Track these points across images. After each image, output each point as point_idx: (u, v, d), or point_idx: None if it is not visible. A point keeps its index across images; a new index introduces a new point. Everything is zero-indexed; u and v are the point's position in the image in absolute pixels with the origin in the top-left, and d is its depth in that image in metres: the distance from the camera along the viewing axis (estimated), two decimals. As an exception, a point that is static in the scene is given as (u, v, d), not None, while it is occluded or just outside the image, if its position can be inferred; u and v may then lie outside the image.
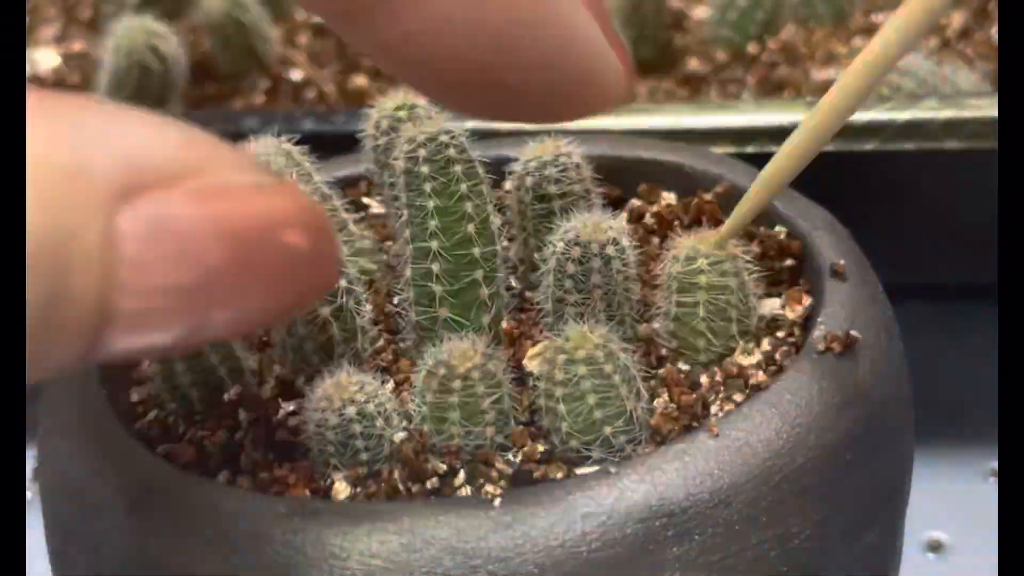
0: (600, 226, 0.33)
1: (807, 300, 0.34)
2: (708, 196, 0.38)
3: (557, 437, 0.31)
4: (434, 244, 0.33)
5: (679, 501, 0.29)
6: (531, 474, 0.30)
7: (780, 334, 0.33)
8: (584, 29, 0.30)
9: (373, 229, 0.38)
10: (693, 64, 0.60)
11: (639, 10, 0.60)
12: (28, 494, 0.47)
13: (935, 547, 0.48)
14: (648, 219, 0.38)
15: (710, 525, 0.29)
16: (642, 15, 0.60)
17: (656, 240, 0.37)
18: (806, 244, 0.36)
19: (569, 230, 0.33)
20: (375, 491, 0.30)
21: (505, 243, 0.35)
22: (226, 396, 0.33)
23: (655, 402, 0.32)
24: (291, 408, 0.33)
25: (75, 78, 0.63)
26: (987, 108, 0.46)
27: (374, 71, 0.61)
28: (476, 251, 0.33)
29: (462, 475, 0.30)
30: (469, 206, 0.33)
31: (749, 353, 0.33)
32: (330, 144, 0.39)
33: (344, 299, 0.33)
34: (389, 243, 0.38)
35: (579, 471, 0.30)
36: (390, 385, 0.33)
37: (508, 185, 0.36)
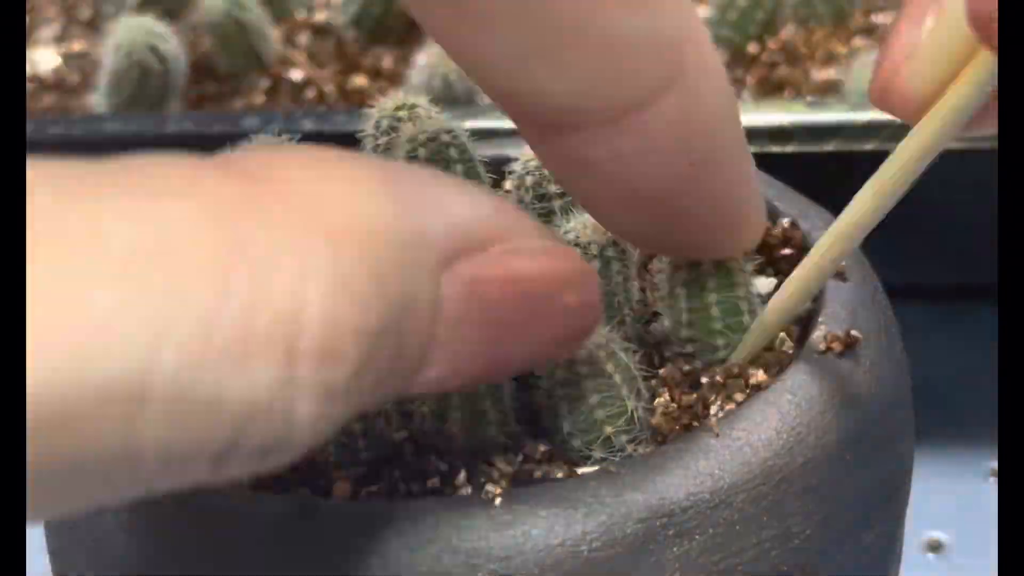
0: (599, 227, 0.33)
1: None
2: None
3: (558, 437, 0.31)
4: (434, 244, 0.33)
5: (679, 501, 0.29)
6: (532, 474, 0.30)
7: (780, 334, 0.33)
8: (754, 178, 0.32)
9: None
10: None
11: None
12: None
13: (935, 547, 0.48)
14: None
15: (710, 525, 0.29)
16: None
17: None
18: (806, 244, 0.36)
19: (569, 231, 0.33)
20: (375, 491, 0.30)
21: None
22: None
23: (655, 402, 0.32)
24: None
25: (75, 78, 0.63)
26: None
27: (374, 71, 0.61)
28: (476, 251, 0.33)
29: (463, 474, 0.30)
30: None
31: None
32: (330, 144, 0.39)
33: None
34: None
35: (580, 471, 0.30)
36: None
37: (508, 184, 0.36)
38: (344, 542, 0.28)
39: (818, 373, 0.32)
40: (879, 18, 0.61)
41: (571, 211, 0.34)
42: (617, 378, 0.31)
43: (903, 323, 0.35)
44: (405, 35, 0.62)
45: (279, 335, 0.21)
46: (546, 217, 0.35)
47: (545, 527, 0.28)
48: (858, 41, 0.60)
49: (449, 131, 0.34)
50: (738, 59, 0.59)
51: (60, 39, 0.66)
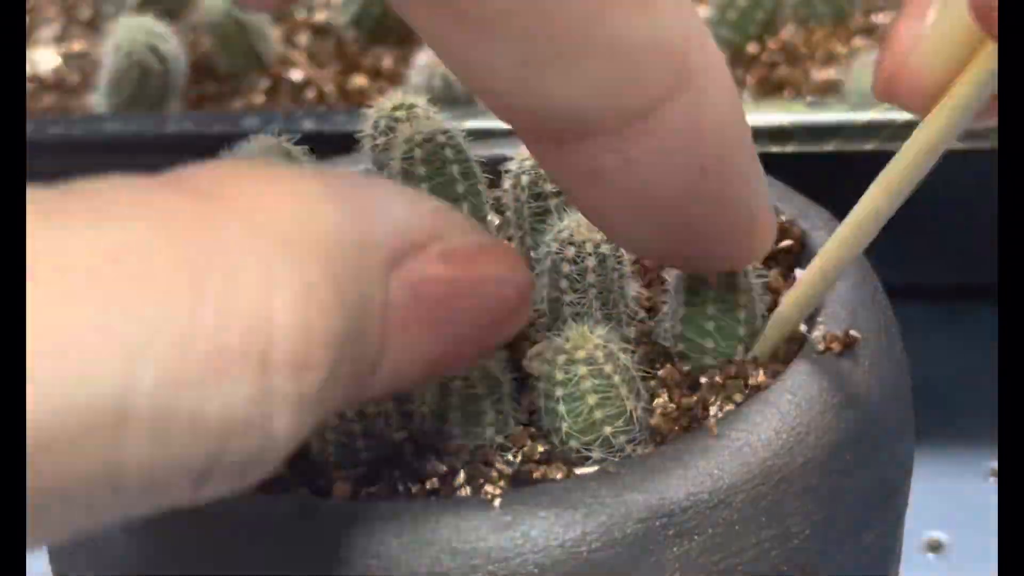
0: (593, 225, 0.33)
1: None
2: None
3: (557, 437, 0.31)
4: (433, 244, 0.33)
5: (679, 501, 0.29)
6: (531, 474, 0.30)
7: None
8: (764, 184, 0.31)
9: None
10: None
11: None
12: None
13: (935, 547, 0.48)
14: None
15: (710, 525, 0.29)
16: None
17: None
18: (805, 244, 0.36)
19: (563, 230, 0.33)
20: (375, 491, 0.30)
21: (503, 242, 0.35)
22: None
23: (655, 402, 0.32)
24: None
25: (75, 78, 0.63)
26: (987, 108, 0.46)
27: (374, 71, 0.61)
28: (475, 251, 0.33)
29: (462, 475, 0.30)
30: (466, 206, 0.33)
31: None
32: (330, 144, 0.39)
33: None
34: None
35: (579, 471, 0.30)
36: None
37: (506, 184, 0.36)
38: (344, 542, 0.28)
39: (818, 373, 0.32)
40: (879, 18, 0.61)
41: (566, 210, 0.34)
42: (616, 378, 0.31)
43: (903, 323, 0.35)
44: (405, 35, 0.62)
45: (252, 347, 0.21)
46: (542, 216, 0.35)
47: (545, 528, 0.28)
48: (858, 41, 0.60)
49: (445, 132, 0.34)
50: (738, 59, 0.59)
51: (60, 39, 0.66)
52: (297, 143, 0.36)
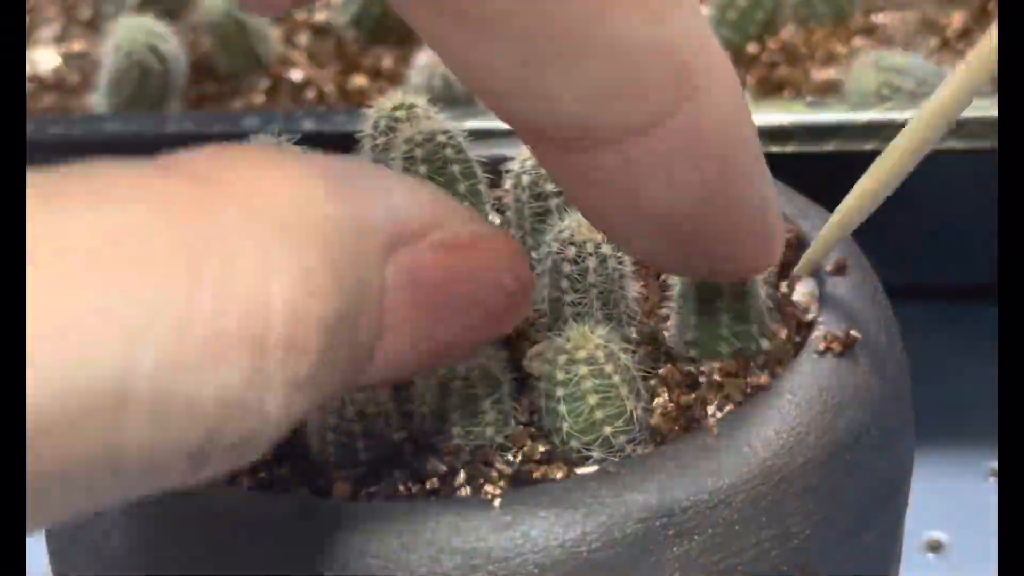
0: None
1: (802, 286, 0.34)
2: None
3: (557, 437, 0.31)
4: (433, 244, 0.33)
5: (679, 501, 0.29)
6: (531, 474, 0.30)
7: (783, 334, 0.33)
8: (773, 191, 0.31)
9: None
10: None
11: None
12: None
13: (935, 547, 0.48)
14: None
15: (710, 525, 0.29)
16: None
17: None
18: (805, 244, 0.36)
19: (563, 229, 0.33)
20: (375, 491, 0.30)
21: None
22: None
23: (655, 402, 0.32)
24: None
25: (75, 78, 0.63)
26: (987, 108, 0.46)
27: (374, 71, 0.61)
28: (475, 251, 0.33)
29: (462, 475, 0.30)
30: (466, 206, 0.33)
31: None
32: (330, 144, 0.39)
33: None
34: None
35: (579, 471, 0.30)
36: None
37: (507, 184, 0.36)
38: (344, 542, 0.28)
39: (818, 373, 0.32)
40: (879, 18, 0.61)
41: (567, 210, 0.34)
42: (617, 378, 0.31)
43: (903, 323, 0.35)
44: (405, 35, 0.62)
45: (249, 331, 0.21)
46: (543, 216, 0.35)
47: (545, 528, 0.28)
48: (858, 41, 0.60)
49: (445, 131, 0.34)
50: (738, 59, 0.59)
51: (60, 39, 0.66)
52: (297, 143, 0.36)
